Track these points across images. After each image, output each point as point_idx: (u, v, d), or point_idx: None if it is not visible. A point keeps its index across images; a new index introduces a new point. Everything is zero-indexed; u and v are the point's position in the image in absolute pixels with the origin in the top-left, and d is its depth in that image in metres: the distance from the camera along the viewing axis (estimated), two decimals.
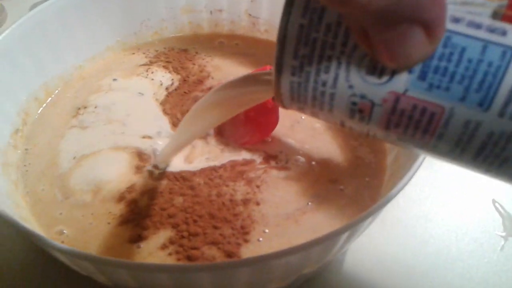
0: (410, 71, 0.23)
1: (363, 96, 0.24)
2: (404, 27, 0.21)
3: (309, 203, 0.42)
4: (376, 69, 0.23)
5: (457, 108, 0.23)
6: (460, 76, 0.22)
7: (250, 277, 0.32)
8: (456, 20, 0.22)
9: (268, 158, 0.46)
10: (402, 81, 0.23)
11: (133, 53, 0.61)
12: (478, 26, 0.22)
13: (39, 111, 0.52)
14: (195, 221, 0.40)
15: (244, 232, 0.39)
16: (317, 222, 0.40)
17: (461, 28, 0.22)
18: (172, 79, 0.56)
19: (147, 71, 0.57)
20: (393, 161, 0.44)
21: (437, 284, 0.44)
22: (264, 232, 0.39)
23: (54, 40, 0.53)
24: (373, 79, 0.24)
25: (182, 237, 0.39)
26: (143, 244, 0.39)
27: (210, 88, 0.54)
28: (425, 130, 0.24)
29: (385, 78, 0.23)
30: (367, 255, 0.45)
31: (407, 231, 0.48)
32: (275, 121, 0.49)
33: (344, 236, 0.32)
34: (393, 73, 0.23)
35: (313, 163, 0.45)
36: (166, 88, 0.55)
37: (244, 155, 0.46)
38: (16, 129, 0.48)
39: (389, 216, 0.48)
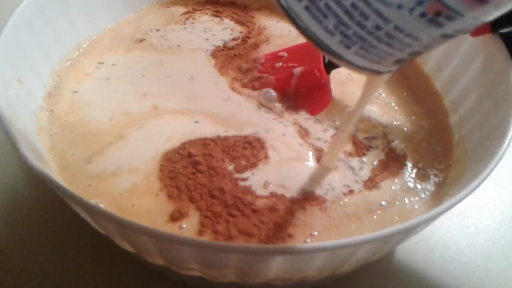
0: None
1: None
2: None
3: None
4: None
5: None
6: None
7: (322, 263, 0.30)
8: None
9: None
10: None
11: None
12: None
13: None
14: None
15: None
16: None
17: None
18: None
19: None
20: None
21: (492, 276, 0.41)
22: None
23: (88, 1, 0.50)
24: None
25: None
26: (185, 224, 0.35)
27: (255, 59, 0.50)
28: None
29: None
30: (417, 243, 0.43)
31: (461, 221, 0.45)
32: (327, 98, 0.46)
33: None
34: None
35: None
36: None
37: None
38: (49, 91, 0.45)
39: None
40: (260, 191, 0.37)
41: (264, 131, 0.42)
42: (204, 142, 0.41)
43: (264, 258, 0.29)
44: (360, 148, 0.42)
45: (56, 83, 0.46)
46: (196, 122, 0.42)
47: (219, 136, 0.41)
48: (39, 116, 0.42)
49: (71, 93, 0.45)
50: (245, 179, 0.38)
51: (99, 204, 0.36)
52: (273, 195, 0.37)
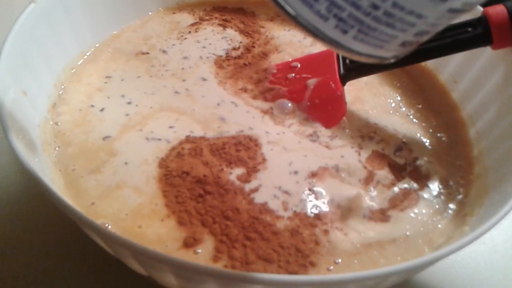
0: None
1: None
2: None
3: None
4: None
5: None
6: None
7: None
8: None
9: None
10: None
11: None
12: None
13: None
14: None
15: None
16: None
17: None
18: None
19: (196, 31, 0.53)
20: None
21: None
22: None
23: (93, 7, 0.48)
24: None
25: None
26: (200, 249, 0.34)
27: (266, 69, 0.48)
28: None
29: None
30: None
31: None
32: (342, 110, 0.44)
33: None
34: None
35: None
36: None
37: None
38: (54, 103, 0.43)
39: None
40: (281, 212, 0.36)
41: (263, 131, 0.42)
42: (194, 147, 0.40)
43: None
44: (398, 170, 0.41)
45: (60, 93, 0.44)
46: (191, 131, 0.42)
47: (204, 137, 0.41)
48: (44, 129, 0.40)
49: (77, 105, 0.43)
50: (255, 190, 0.37)
51: (107, 225, 0.34)
52: (296, 214, 0.36)
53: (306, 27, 0.23)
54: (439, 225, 0.37)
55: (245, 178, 0.38)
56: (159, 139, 0.40)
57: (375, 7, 0.21)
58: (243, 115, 0.43)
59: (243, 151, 0.40)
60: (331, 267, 0.33)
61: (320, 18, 0.22)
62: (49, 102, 0.43)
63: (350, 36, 0.22)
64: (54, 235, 0.41)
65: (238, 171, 0.38)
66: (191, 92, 0.45)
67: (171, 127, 0.41)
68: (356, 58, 0.24)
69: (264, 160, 0.40)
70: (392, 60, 0.26)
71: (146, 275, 0.32)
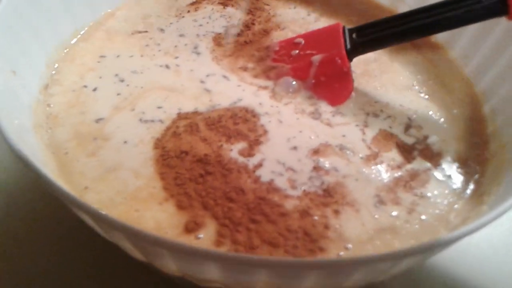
0: None
1: None
2: None
3: None
4: None
5: None
6: None
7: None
8: None
9: None
10: None
11: None
12: None
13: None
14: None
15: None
16: None
17: None
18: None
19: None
20: None
21: None
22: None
23: None
24: None
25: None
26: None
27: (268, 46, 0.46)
28: None
29: None
30: None
31: None
32: (349, 87, 0.42)
33: None
34: None
35: None
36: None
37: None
38: (46, 83, 0.41)
39: None
40: (290, 190, 0.34)
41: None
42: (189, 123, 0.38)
43: (303, 273, 0.25)
44: (408, 151, 0.38)
45: (53, 73, 0.42)
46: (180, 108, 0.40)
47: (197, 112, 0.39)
48: (36, 111, 0.38)
49: (70, 86, 0.41)
50: (259, 165, 0.35)
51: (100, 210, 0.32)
52: (306, 194, 0.34)
53: None
54: (455, 206, 0.35)
55: (248, 152, 0.36)
56: (152, 120, 0.38)
57: None
58: (233, 88, 0.41)
59: (241, 123, 0.38)
60: (342, 253, 0.31)
61: None
62: (41, 82, 0.41)
63: None
64: (52, 228, 0.40)
65: (239, 145, 0.36)
66: (181, 67, 0.43)
67: (159, 107, 0.39)
68: None
69: (265, 132, 0.38)
70: None
71: (146, 262, 0.31)
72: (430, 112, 0.41)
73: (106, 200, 0.33)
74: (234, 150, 0.36)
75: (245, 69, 0.44)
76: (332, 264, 0.24)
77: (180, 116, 0.38)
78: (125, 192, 0.33)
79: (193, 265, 0.26)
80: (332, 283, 0.28)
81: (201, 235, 0.31)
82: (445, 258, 0.39)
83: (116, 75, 0.42)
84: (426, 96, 0.43)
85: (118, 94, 0.40)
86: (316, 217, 0.32)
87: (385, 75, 0.44)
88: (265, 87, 0.42)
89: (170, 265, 0.27)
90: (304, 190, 0.34)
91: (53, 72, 0.42)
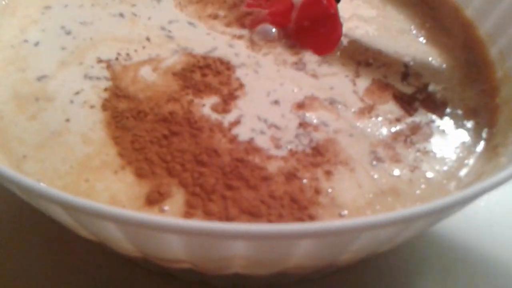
0: None
1: None
2: None
3: None
4: None
5: None
6: None
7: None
8: None
9: None
10: None
11: None
12: None
13: None
14: None
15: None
16: None
17: None
18: None
19: None
20: None
21: None
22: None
23: None
24: None
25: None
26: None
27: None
28: None
29: None
30: None
31: None
32: (337, 33, 0.37)
33: None
34: None
35: None
36: None
37: None
38: None
39: None
40: (273, 150, 0.28)
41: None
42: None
43: (291, 244, 0.20)
44: (407, 103, 0.33)
45: None
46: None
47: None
48: None
49: (9, 41, 0.35)
50: (236, 123, 0.30)
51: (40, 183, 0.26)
52: (292, 154, 0.28)
53: None
54: (466, 161, 0.30)
55: (222, 108, 0.30)
56: (100, 77, 0.32)
57: None
58: (202, 36, 0.36)
59: (211, 75, 0.32)
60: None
61: None
62: None
63: None
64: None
65: (211, 100, 0.31)
66: (138, 16, 0.37)
67: (109, 59, 0.34)
68: None
69: (241, 85, 0.32)
70: None
71: (97, 242, 0.25)
72: (430, 58, 0.36)
73: (49, 170, 0.27)
74: (206, 106, 0.30)
75: (215, 17, 0.38)
76: (327, 231, 0.18)
77: (140, 62, 0.33)
78: (72, 161, 0.27)
79: (150, 242, 0.20)
80: (324, 256, 0.24)
81: (166, 207, 0.26)
82: (452, 225, 0.34)
83: (62, 27, 0.36)
84: (424, 41, 0.38)
85: (63, 49, 0.34)
86: (304, 180, 0.27)
87: (376, 18, 0.39)
88: (240, 36, 0.36)
89: (123, 243, 0.22)
90: (290, 149, 0.29)
91: None
